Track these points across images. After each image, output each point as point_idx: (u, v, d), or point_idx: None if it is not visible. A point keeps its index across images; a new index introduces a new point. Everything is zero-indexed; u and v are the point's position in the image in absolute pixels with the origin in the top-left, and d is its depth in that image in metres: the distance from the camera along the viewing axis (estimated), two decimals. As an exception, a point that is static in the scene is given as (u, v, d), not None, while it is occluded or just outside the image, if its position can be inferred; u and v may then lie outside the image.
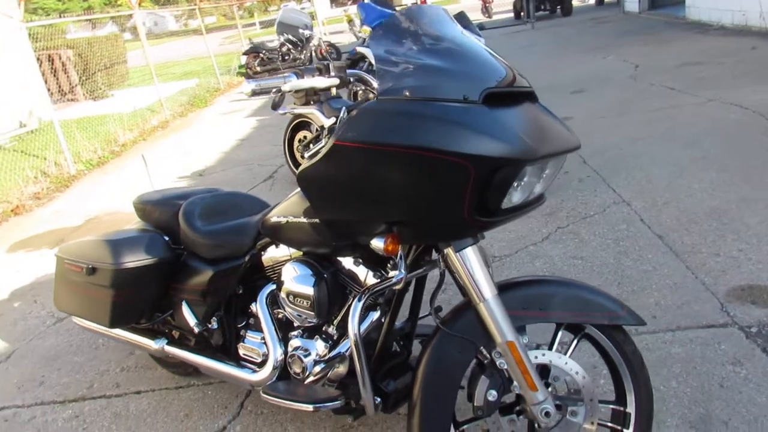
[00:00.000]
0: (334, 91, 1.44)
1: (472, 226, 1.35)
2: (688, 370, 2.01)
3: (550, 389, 1.49)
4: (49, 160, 6.69)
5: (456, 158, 1.23)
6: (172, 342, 2.18)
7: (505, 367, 1.45)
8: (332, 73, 1.38)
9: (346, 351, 1.72)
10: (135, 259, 2.01)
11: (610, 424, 1.56)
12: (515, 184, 1.36)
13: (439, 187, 1.29)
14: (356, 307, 1.51)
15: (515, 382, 1.45)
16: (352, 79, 1.43)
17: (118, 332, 2.28)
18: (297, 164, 4.74)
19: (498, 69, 1.39)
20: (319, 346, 1.78)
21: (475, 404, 1.50)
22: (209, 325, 2.06)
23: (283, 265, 1.79)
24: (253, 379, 1.88)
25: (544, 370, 1.51)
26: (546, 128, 1.37)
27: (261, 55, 12.30)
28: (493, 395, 1.47)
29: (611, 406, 1.56)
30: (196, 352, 2.09)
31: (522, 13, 15.87)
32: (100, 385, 2.52)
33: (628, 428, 1.53)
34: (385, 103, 1.31)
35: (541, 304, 1.49)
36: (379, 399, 1.75)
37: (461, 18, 6.17)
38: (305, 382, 1.79)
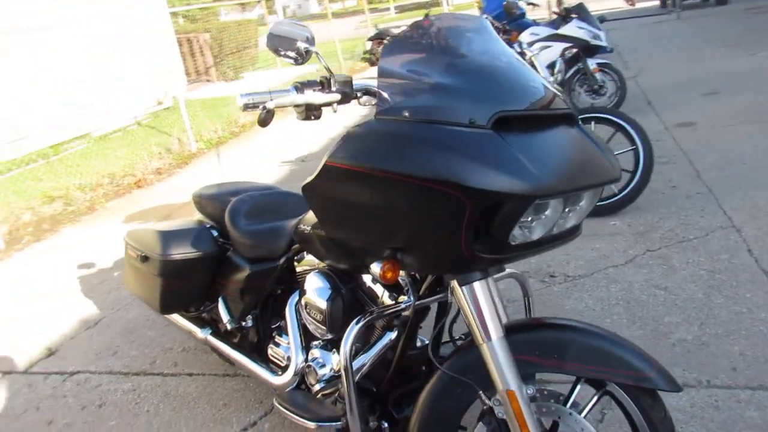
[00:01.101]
0: (335, 107, 1.36)
1: (473, 261, 1.23)
2: (758, 440, 1.73)
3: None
4: (173, 138, 7.22)
5: (451, 190, 1.12)
6: (215, 333, 2.24)
7: (504, 416, 1.32)
8: (334, 88, 1.30)
9: (361, 369, 1.66)
10: (181, 252, 2.08)
11: None
12: (530, 219, 1.22)
13: (434, 218, 1.18)
14: (352, 329, 1.44)
15: (515, 434, 1.32)
16: (359, 94, 1.35)
17: (173, 316, 2.39)
18: None
19: (523, 90, 1.25)
20: (334, 360, 1.74)
21: (469, 453, 1.38)
22: (244, 323, 2.09)
23: (309, 273, 1.77)
24: (275, 382, 1.88)
25: (553, 426, 1.36)
26: (575, 158, 1.22)
27: (385, 41, 12.37)
28: (490, 443, 1.34)
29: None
30: (232, 346, 2.13)
31: (668, 1, 14.58)
32: (161, 362, 2.67)
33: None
34: (382, 123, 1.22)
35: (557, 352, 1.33)
36: (386, 424, 1.69)
37: (580, 9, 5.78)
38: (318, 396, 1.76)
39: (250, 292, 2.04)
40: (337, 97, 1.32)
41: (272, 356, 2.00)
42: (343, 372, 1.43)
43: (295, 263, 1.97)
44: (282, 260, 1.94)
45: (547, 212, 1.24)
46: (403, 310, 1.51)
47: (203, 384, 2.45)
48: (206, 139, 7.46)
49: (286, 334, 1.96)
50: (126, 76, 8.72)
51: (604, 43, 5.49)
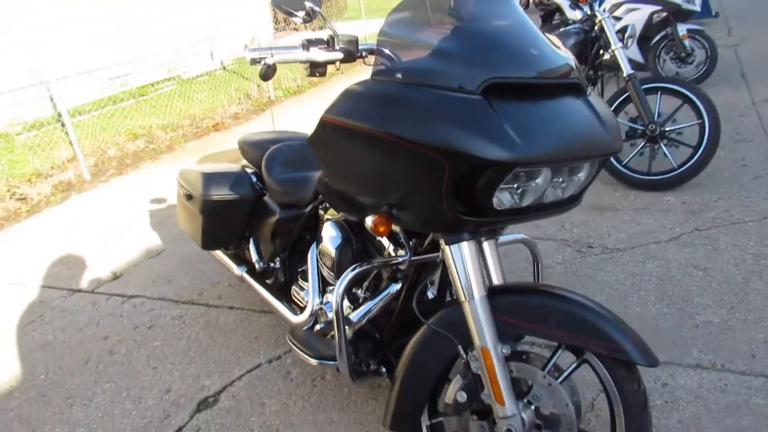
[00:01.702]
0: (338, 65, 1.41)
1: (457, 223, 1.28)
2: (759, 428, 1.69)
3: (533, 407, 1.39)
4: (253, 84, 7.47)
5: (431, 152, 1.17)
6: (250, 272, 2.41)
7: (479, 372, 1.38)
8: (338, 47, 1.36)
9: (365, 315, 1.76)
10: (221, 193, 2.24)
11: None
12: (516, 185, 1.26)
13: (417, 179, 1.24)
14: (346, 275, 1.54)
15: (486, 390, 1.38)
16: (363, 53, 1.40)
17: (216, 252, 2.58)
18: None
19: (523, 57, 1.25)
20: (344, 305, 1.85)
21: (445, 401, 1.46)
22: (273, 264, 2.24)
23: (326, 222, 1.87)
24: (293, 320, 2.02)
25: (528, 387, 1.41)
26: (569, 130, 1.23)
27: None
28: (462, 396, 1.42)
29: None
30: (262, 284, 2.29)
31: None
32: (208, 294, 2.89)
33: (609, 470, 1.37)
34: (377, 83, 1.28)
35: (538, 317, 1.36)
36: (384, 369, 1.79)
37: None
38: (327, 336, 1.88)
39: (279, 236, 2.18)
40: (339, 55, 1.38)
41: (295, 297, 2.14)
42: (334, 315, 1.54)
43: (321, 212, 2.08)
44: (308, 208, 2.05)
45: (538, 180, 1.27)
46: (400, 264, 1.59)
47: (240, 317, 2.65)
48: (285, 87, 7.67)
49: (307, 278, 2.10)
50: (217, 22, 9.03)
51: (696, 8, 5.12)
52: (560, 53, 1.32)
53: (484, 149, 1.13)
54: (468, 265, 1.37)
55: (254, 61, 1.34)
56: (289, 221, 2.12)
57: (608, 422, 1.37)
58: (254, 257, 2.27)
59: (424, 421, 1.53)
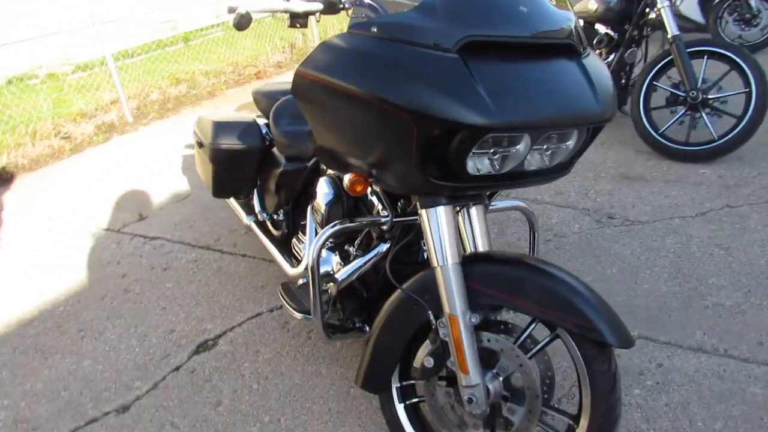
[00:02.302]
0: (318, 17, 1.36)
1: (430, 187, 1.24)
2: (749, 419, 1.62)
3: (501, 378, 1.37)
4: (298, 33, 7.41)
5: (400, 112, 1.13)
6: (257, 221, 2.43)
7: (446, 338, 1.36)
8: (319, -5, 1.31)
9: (352, 273, 1.76)
10: (229, 142, 2.25)
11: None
12: (492, 151, 1.20)
13: (388, 138, 1.20)
14: (325, 232, 1.53)
15: (452, 357, 1.36)
16: (346, 5, 1.34)
17: (229, 201, 2.62)
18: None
19: (510, 14, 1.18)
20: (334, 261, 1.85)
21: (413, 365, 1.45)
22: (276, 216, 2.25)
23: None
24: (289, 272, 2.04)
25: (496, 358, 1.38)
26: (552, 95, 1.16)
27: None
28: (429, 362, 1.40)
29: (564, 418, 1.37)
30: (266, 235, 2.31)
31: None
32: (224, 240, 2.95)
33: (571, 447, 1.34)
34: (352, 37, 1.23)
35: (510, 287, 1.32)
36: (368, 328, 1.79)
37: None
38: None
39: (283, 188, 2.18)
40: (319, 6, 1.33)
41: (294, 250, 2.16)
42: (309, 271, 1.54)
43: (323, 167, 2.06)
44: (311, 162, 2.04)
45: (518, 147, 1.21)
46: (382, 224, 1.56)
47: (251, 266, 2.70)
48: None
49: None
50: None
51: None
52: (558, 12, 1.24)
53: (453, 112, 1.08)
54: (443, 230, 1.33)
55: (230, 10, 1.31)
56: (293, 174, 2.12)
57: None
58: (258, 208, 2.29)
59: (395, 383, 1.54)
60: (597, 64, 1.29)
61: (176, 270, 2.74)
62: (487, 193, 1.58)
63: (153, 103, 5.53)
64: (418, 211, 1.37)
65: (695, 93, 3.09)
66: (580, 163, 3.33)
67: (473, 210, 1.48)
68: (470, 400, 1.33)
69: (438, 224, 1.33)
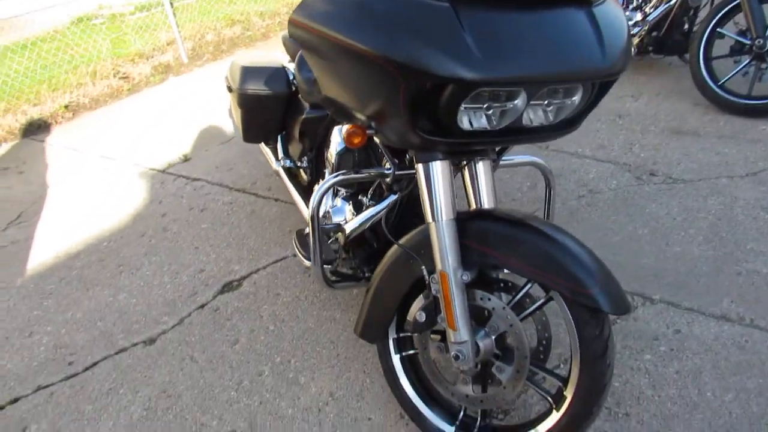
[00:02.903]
0: None
1: (423, 142, 1.21)
2: (764, 392, 1.55)
3: (493, 337, 1.36)
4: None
5: (385, 63, 1.10)
6: (285, 168, 2.46)
7: (438, 294, 1.36)
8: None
9: (362, 223, 1.76)
10: (255, 88, 2.26)
11: (548, 397, 1.36)
12: (486, 105, 1.16)
13: (377, 90, 1.18)
14: (326, 182, 1.52)
15: (442, 313, 1.36)
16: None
17: (261, 145, 2.65)
18: None
19: None
20: (347, 211, 1.86)
21: (408, 318, 1.46)
22: (300, 163, 2.27)
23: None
24: (306, 216, 2.07)
25: (488, 316, 1.36)
26: (552, 48, 1.09)
27: None
28: (421, 316, 1.40)
29: (555, 380, 1.35)
30: (291, 180, 2.34)
31: None
32: (260, 184, 3.02)
33: (558, 411, 1.33)
34: (343, -17, 1.18)
35: (504, 246, 1.29)
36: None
37: None
38: (329, 241, 1.91)
39: (306, 135, 2.19)
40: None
41: (314, 196, 2.17)
42: (309, 220, 1.55)
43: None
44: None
45: (515, 102, 1.16)
46: (385, 177, 1.55)
47: (282, 210, 2.75)
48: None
49: (327, 180, 2.11)
50: None
51: None
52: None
53: (439, 64, 1.04)
54: (438, 186, 1.31)
55: None
56: (315, 122, 2.12)
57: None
58: (281, 154, 2.31)
59: (392, 334, 1.56)
60: (611, 12, 1.20)
61: (212, 211, 2.83)
62: (497, 149, 1.53)
63: (208, 44, 5.60)
64: (415, 166, 1.35)
65: (762, 41, 2.83)
66: (629, 114, 3.16)
67: (479, 165, 1.44)
68: (457, 357, 1.33)
69: (433, 179, 1.31)
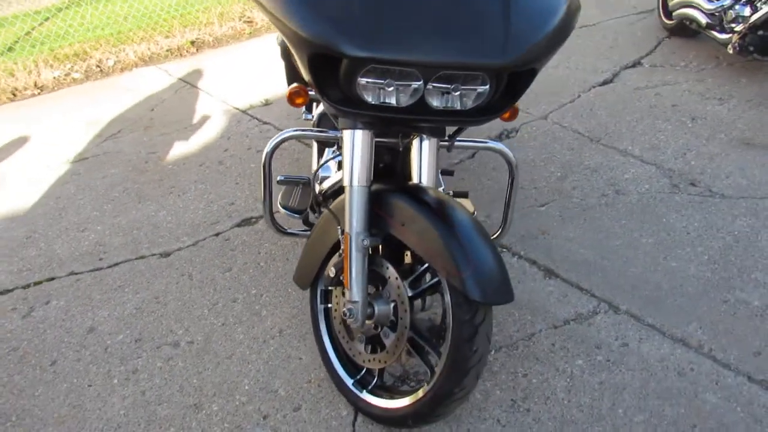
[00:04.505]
0: None
1: (332, 109, 1.31)
2: (678, 423, 1.47)
3: (391, 305, 1.44)
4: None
5: (287, 31, 1.20)
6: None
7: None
8: None
9: (335, 183, 1.87)
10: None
11: (429, 371, 1.42)
12: (386, 81, 1.22)
13: (296, 56, 1.28)
14: (276, 138, 1.66)
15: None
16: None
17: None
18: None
19: None
20: (333, 169, 1.98)
21: (324, 272, 1.57)
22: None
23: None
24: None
25: (381, 285, 1.45)
26: (448, 34, 1.14)
27: None
28: (332, 272, 1.52)
29: (432, 352, 1.40)
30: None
31: None
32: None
33: (428, 384, 1.39)
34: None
35: (405, 220, 1.36)
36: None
37: None
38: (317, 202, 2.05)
39: None
40: None
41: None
42: (261, 170, 1.70)
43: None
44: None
45: (412, 83, 1.21)
46: (332, 137, 1.65)
47: (321, 161, 2.92)
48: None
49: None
50: None
51: None
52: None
53: (323, 36, 1.14)
54: (356, 153, 1.40)
55: None
56: None
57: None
58: (303, 108, 2.46)
59: (320, 286, 1.68)
60: (534, 1, 1.19)
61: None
62: (454, 130, 1.56)
63: None
64: (340, 132, 1.44)
65: None
66: (704, 117, 2.90)
67: (425, 144, 1.50)
68: (346, 314, 1.43)
69: (352, 146, 1.40)
